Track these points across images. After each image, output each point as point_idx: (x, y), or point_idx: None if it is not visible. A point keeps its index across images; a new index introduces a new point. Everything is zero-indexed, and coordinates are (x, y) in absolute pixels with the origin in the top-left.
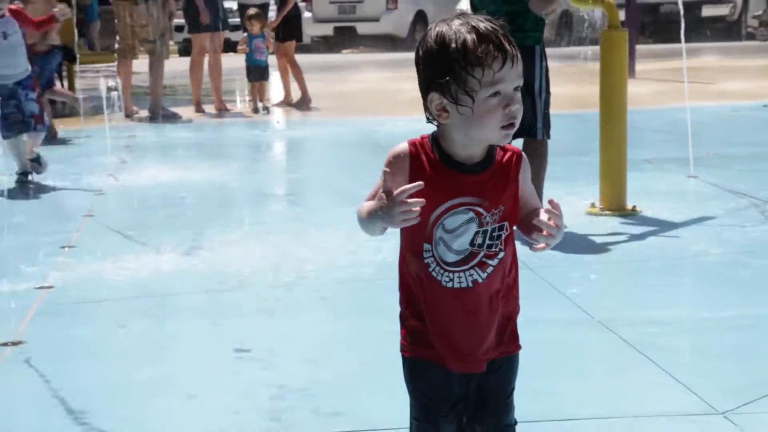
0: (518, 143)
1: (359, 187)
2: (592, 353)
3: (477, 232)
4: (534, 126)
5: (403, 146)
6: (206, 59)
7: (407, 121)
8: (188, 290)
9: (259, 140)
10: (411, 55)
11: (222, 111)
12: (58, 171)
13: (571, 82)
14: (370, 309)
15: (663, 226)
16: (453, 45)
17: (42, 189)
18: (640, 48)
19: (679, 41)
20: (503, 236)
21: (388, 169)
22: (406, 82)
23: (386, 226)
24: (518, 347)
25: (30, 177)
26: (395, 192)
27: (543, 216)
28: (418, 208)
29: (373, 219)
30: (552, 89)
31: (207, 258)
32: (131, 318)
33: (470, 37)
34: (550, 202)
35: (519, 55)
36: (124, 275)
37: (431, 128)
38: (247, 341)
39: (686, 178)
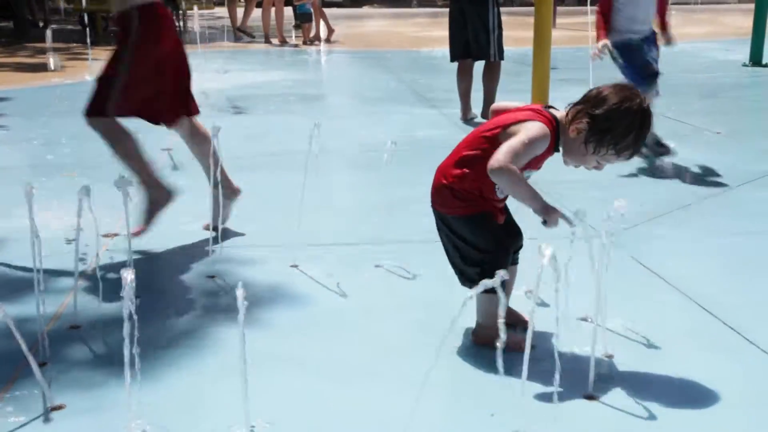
0: (480, 64)
1: (368, 90)
2: None
3: None
4: (488, 52)
5: (546, 132)
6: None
7: (402, 51)
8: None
9: (308, 59)
10: (408, 11)
11: (283, 42)
12: None
13: (517, 29)
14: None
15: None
16: (637, 133)
17: None
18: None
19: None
20: None
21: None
22: (403, 27)
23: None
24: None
25: None
26: (558, 215)
27: None
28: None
29: (526, 202)
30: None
31: None
32: None
33: (644, 134)
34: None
35: None
36: None
37: (414, 59)
38: None
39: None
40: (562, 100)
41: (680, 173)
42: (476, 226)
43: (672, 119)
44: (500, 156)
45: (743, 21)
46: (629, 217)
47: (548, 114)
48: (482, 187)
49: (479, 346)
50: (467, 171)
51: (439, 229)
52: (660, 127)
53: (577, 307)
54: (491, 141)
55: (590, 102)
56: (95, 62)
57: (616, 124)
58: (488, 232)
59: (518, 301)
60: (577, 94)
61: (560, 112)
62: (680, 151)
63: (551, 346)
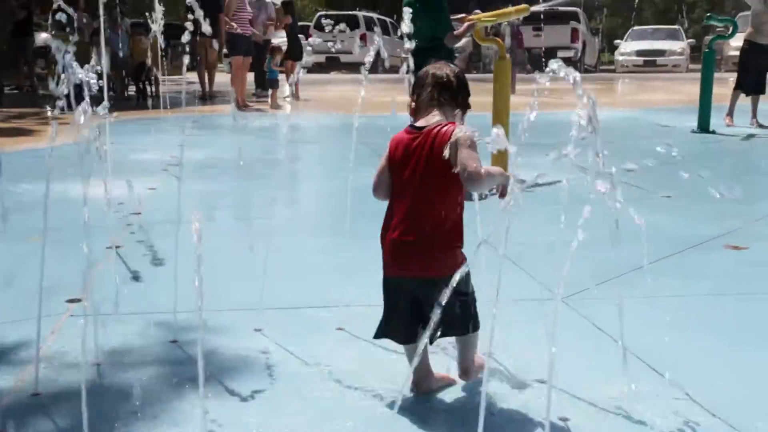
0: None
1: (333, 154)
2: None
3: None
4: None
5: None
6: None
7: (366, 117)
8: None
9: (275, 124)
10: (372, 76)
11: (246, 107)
12: None
13: (478, 94)
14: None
15: (530, 184)
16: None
17: None
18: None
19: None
20: None
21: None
22: (367, 92)
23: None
24: None
25: None
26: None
27: None
28: None
29: (498, 180)
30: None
31: None
32: None
33: None
34: None
35: None
36: None
37: (376, 122)
38: None
39: (544, 156)
40: (523, 165)
41: (632, 236)
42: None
43: (623, 183)
44: (473, 165)
45: (693, 89)
46: (582, 279)
47: (450, 120)
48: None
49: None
50: (450, 211)
51: (424, 302)
52: (612, 191)
53: (533, 370)
54: (447, 166)
55: (440, 86)
56: (63, 126)
57: (465, 89)
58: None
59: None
60: (537, 158)
61: (439, 113)
62: (630, 214)
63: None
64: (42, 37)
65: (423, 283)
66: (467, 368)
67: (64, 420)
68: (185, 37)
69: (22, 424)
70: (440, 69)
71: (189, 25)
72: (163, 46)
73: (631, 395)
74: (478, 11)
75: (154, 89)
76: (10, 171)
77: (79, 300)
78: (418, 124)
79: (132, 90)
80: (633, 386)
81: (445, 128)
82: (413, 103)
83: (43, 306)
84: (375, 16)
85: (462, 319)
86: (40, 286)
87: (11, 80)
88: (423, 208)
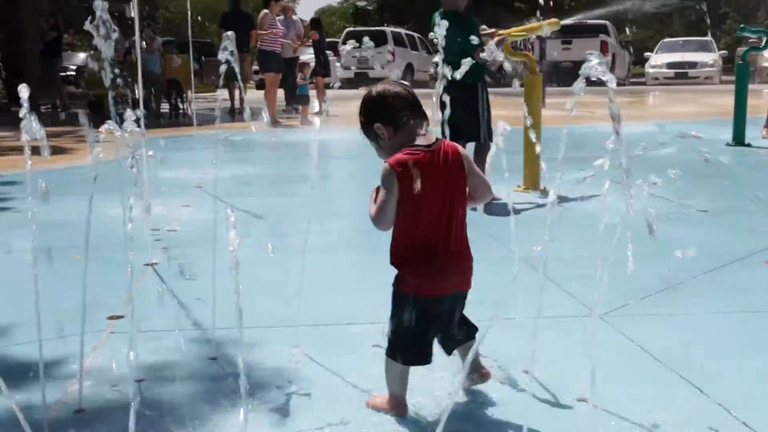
0: (471, 146)
1: (367, 168)
2: None
3: None
4: (478, 135)
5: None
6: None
7: None
8: None
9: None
10: None
11: (276, 123)
12: None
13: (508, 108)
14: None
15: (564, 199)
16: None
17: None
18: (549, 89)
19: (570, 85)
20: None
21: None
22: None
23: None
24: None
25: None
26: None
27: None
28: None
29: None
30: (493, 112)
31: None
32: None
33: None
34: None
35: None
36: None
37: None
38: None
39: (578, 171)
40: (553, 179)
41: (669, 252)
42: None
43: (659, 197)
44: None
45: (726, 101)
46: (620, 296)
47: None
48: None
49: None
50: (465, 224)
51: (453, 312)
52: (649, 206)
53: (572, 388)
54: (465, 181)
55: (413, 105)
56: (96, 144)
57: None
58: None
59: (518, 379)
60: (568, 172)
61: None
62: (668, 229)
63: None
64: (81, 57)
65: (460, 296)
66: (485, 368)
67: None
68: (223, 54)
69: None
70: (399, 87)
71: (228, 44)
72: (194, 63)
73: (667, 412)
74: (484, 27)
75: (185, 106)
76: (48, 188)
77: (119, 317)
78: (421, 143)
79: (164, 107)
80: (670, 403)
81: (450, 144)
82: (387, 129)
83: (84, 323)
84: (403, 31)
85: (471, 324)
86: (83, 303)
87: (45, 99)
88: (456, 224)
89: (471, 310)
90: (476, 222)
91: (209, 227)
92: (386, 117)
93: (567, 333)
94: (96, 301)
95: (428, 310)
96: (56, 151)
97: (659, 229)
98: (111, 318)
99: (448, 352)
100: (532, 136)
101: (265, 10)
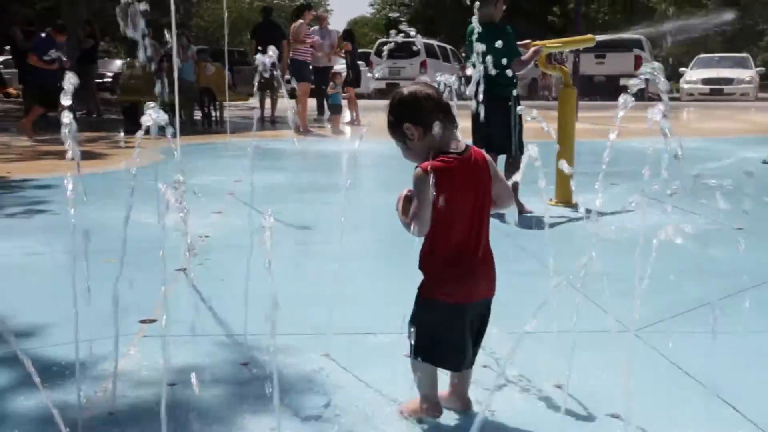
0: (502, 158)
1: (398, 177)
2: None
3: None
4: (509, 147)
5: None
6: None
7: None
8: None
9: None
10: None
11: (307, 132)
12: None
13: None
14: None
15: (597, 213)
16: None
17: None
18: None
19: (603, 100)
20: None
21: None
22: None
23: None
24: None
25: None
26: None
27: None
28: None
29: None
30: (525, 125)
31: None
32: None
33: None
34: None
35: None
36: None
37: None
38: None
39: (610, 185)
40: (585, 191)
41: (703, 269)
42: None
43: (692, 213)
44: (510, 188)
45: (762, 118)
46: (655, 312)
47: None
48: None
49: None
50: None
51: (482, 322)
52: (682, 222)
53: (605, 403)
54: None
55: (443, 108)
56: (131, 150)
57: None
58: None
59: (550, 393)
60: (601, 186)
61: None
62: (703, 246)
63: None
64: (117, 64)
65: (485, 304)
66: (469, 399)
67: None
68: (263, 58)
69: None
70: (431, 89)
71: (269, 56)
72: (227, 72)
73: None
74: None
75: (218, 114)
76: (84, 193)
77: (152, 320)
78: (451, 149)
79: (197, 115)
80: (704, 422)
81: (478, 151)
82: (417, 129)
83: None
84: (435, 43)
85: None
86: (117, 307)
87: (81, 106)
88: (484, 230)
89: (503, 324)
90: (508, 234)
91: (240, 234)
92: (417, 118)
93: (600, 348)
94: (128, 304)
95: (454, 316)
96: (91, 156)
97: (694, 246)
98: (143, 321)
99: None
100: (564, 150)
101: (300, 20)
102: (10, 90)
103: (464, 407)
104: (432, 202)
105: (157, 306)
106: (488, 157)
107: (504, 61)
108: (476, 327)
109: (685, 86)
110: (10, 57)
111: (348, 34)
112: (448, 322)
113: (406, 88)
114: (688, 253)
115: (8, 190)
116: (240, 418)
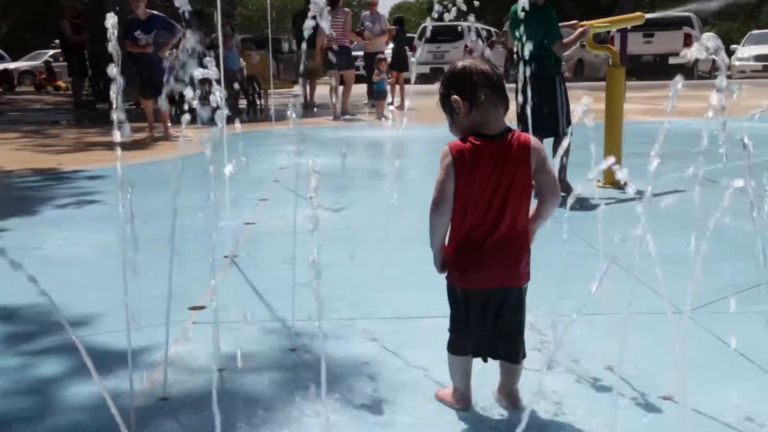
0: (549, 141)
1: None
2: None
3: None
4: (557, 129)
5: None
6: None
7: None
8: None
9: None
10: None
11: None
12: None
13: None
14: None
15: (647, 195)
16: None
17: None
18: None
19: (652, 80)
20: None
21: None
22: None
23: None
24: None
25: None
26: None
27: None
28: None
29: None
30: (572, 106)
31: None
32: None
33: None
34: None
35: None
36: None
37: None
38: None
39: (658, 160)
40: (633, 173)
41: (757, 249)
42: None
43: (745, 193)
44: (556, 183)
45: None
46: (709, 293)
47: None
48: None
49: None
50: (525, 219)
51: (501, 312)
52: (738, 202)
53: (657, 386)
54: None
55: (493, 86)
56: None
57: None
58: None
59: (600, 376)
60: (649, 166)
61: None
62: (757, 226)
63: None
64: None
65: (505, 292)
66: (519, 399)
67: (191, 424)
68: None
69: (151, 428)
70: (484, 65)
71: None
72: (271, 60)
73: (758, 412)
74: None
75: (263, 102)
76: (133, 183)
77: (201, 307)
78: (487, 131)
79: (242, 103)
80: (760, 402)
81: (524, 135)
82: (464, 104)
83: (168, 313)
84: (480, 26)
85: (518, 346)
86: (169, 294)
87: (131, 97)
88: (506, 218)
89: (554, 306)
90: (555, 217)
91: (287, 220)
92: (465, 91)
93: (652, 330)
94: (178, 291)
95: (468, 302)
96: (139, 146)
97: (748, 226)
98: (192, 308)
99: (482, 357)
100: (612, 131)
101: (346, 9)
102: (60, 83)
103: (512, 405)
104: (453, 184)
105: (205, 293)
106: (535, 143)
107: (546, 42)
108: (491, 317)
109: (737, 63)
110: (59, 50)
111: (398, 21)
112: (453, 305)
113: (462, 61)
114: (741, 233)
115: (59, 181)
116: (289, 403)
